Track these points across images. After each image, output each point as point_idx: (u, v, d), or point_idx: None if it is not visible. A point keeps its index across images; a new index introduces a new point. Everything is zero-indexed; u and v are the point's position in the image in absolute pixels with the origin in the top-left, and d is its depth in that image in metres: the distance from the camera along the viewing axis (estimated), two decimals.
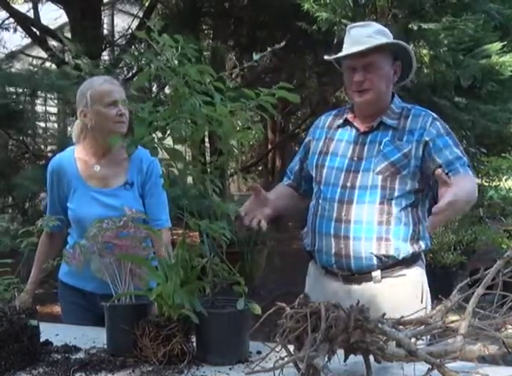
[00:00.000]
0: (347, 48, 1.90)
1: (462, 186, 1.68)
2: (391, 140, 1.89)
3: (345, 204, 1.88)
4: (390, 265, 1.88)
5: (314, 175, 2.02)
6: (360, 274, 1.89)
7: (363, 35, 1.88)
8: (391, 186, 1.86)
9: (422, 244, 1.91)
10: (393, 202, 1.86)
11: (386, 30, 1.94)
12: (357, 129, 1.96)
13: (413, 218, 1.89)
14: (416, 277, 1.93)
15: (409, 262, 1.91)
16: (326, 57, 2.00)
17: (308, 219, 2.00)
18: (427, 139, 1.86)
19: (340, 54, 1.92)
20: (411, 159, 1.86)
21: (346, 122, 1.99)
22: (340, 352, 1.28)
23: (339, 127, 2.00)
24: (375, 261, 1.86)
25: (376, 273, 1.88)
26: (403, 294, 1.88)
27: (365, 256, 1.86)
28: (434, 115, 1.93)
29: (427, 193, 1.93)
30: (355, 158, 1.91)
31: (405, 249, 1.87)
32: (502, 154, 5.62)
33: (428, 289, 1.96)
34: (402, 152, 1.86)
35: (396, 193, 1.86)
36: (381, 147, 1.88)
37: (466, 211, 1.69)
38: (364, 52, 1.84)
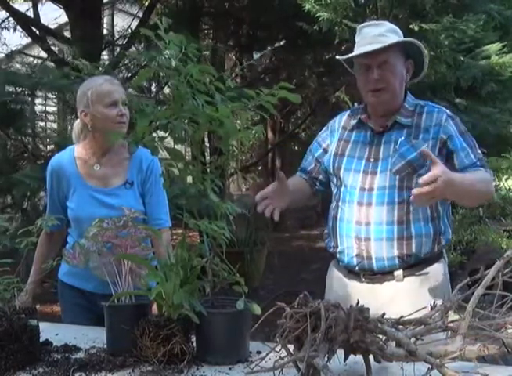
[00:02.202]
0: (362, 47, 1.87)
1: (470, 174, 1.74)
2: (407, 139, 1.87)
3: (365, 206, 1.88)
4: (412, 263, 1.88)
5: (331, 178, 2.02)
6: (383, 274, 1.90)
7: (376, 34, 1.87)
8: (408, 185, 1.84)
9: (443, 240, 1.91)
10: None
11: (397, 29, 1.93)
12: (371, 130, 1.95)
13: (432, 214, 1.89)
14: (438, 275, 1.93)
15: (430, 259, 1.91)
16: (338, 57, 1.98)
17: (329, 222, 2.01)
18: (444, 136, 1.85)
19: (355, 53, 1.89)
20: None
21: (360, 123, 1.98)
22: (340, 352, 1.28)
23: (353, 128, 1.99)
24: (397, 261, 1.86)
25: (399, 272, 1.88)
26: (426, 292, 1.87)
27: (387, 257, 1.86)
28: (448, 112, 1.92)
29: None
30: (372, 159, 1.90)
31: (427, 245, 1.87)
32: (502, 154, 5.62)
33: (450, 287, 1.95)
34: (419, 151, 1.84)
35: None
36: (397, 147, 1.87)
37: (481, 200, 1.71)
38: (379, 51, 1.82)
